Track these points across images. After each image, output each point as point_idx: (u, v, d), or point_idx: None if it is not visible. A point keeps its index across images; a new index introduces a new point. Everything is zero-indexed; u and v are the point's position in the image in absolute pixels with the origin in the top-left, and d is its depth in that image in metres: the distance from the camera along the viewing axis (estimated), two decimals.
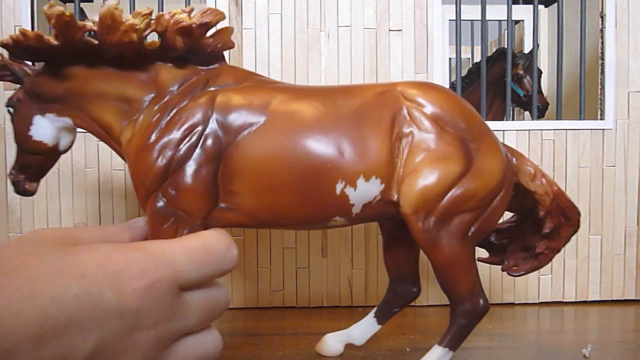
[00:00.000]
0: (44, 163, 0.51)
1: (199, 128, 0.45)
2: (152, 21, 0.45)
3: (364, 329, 0.59)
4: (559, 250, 0.54)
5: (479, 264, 0.49)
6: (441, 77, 0.80)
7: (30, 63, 0.52)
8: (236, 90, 0.47)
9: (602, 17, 0.81)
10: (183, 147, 0.44)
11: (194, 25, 0.45)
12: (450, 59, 0.94)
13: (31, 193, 0.52)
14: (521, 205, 0.54)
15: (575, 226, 0.54)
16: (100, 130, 0.49)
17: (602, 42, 0.81)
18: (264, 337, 0.66)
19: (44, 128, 0.49)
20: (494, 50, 1.32)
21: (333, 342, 0.59)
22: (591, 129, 0.81)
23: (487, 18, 0.82)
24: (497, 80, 1.07)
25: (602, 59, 0.82)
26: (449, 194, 0.45)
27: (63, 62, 0.47)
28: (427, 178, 0.45)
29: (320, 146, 0.45)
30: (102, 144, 0.75)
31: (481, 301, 0.48)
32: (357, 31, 0.79)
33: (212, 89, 0.47)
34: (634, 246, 0.82)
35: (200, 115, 0.45)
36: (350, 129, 0.46)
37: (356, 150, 0.45)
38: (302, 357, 0.59)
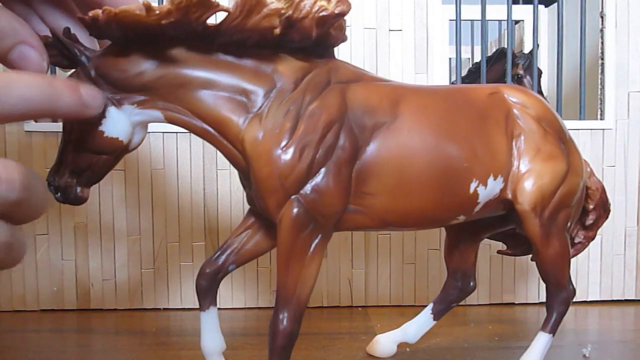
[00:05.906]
0: (110, 164, 0.42)
1: (336, 126, 0.42)
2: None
3: (420, 325, 0.59)
4: (593, 239, 0.59)
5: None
6: (441, 77, 0.80)
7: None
8: (363, 87, 0.44)
9: (602, 17, 0.81)
10: (323, 146, 0.41)
11: (332, 15, 0.39)
12: (450, 59, 0.94)
13: (83, 200, 0.42)
14: None
15: (607, 217, 0.58)
16: (203, 126, 0.41)
17: (602, 42, 0.81)
18: (264, 337, 0.65)
19: (121, 122, 0.40)
20: (494, 50, 1.32)
21: (387, 342, 0.59)
22: (591, 129, 0.81)
23: (487, 18, 0.82)
24: (497, 80, 1.07)
25: (602, 59, 0.82)
26: (559, 191, 0.48)
27: (157, 44, 0.39)
28: (543, 177, 0.48)
29: (456, 145, 0.45)
30: None
31: (573, 288, 0.53)
32: (357, 31, 0.79)
33: (337, 84, 0.43)
34: (634, 246, 0.82)
35: (336, 113, 0.42)
36: (477, 128, 0.46)
37: (486, 149, 0.46)
38: (302, 357, 0.59)
